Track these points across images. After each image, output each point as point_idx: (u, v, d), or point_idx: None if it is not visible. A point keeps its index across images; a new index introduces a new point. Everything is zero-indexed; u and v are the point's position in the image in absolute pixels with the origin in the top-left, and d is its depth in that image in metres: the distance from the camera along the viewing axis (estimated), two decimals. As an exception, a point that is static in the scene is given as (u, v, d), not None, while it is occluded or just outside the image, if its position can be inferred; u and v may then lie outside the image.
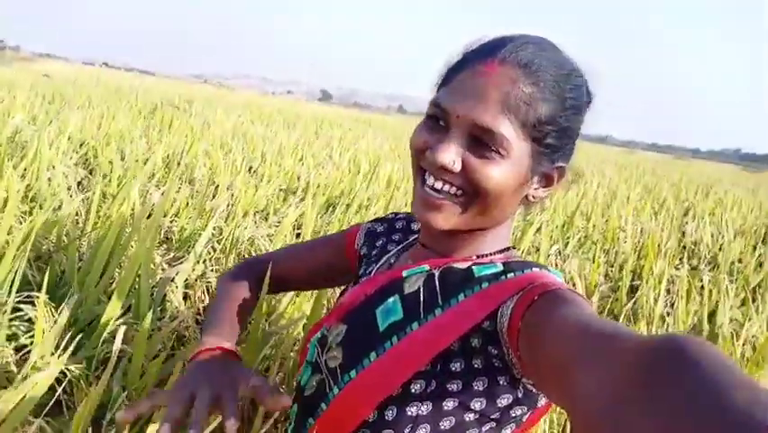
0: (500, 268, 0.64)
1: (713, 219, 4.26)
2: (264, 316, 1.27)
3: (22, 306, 1.30)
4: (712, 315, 2.13)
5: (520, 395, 0.60)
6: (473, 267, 0.65)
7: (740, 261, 3.08)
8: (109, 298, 1.42)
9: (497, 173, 0.60)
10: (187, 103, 8.43)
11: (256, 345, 1.12)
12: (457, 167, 0.61)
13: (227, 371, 0.66)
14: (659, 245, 3.07)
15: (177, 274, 1.62)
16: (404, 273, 0.69)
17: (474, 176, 0.61)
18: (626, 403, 0.35)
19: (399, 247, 0.81)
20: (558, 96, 0.61)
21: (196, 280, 1.71)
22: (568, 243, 3.04)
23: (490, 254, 0.69)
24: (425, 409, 0.60)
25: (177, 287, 1.63)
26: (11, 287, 1.24)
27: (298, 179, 3.70)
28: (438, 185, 0.63)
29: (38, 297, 1.27)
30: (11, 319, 1.25)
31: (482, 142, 0.60)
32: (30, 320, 1.31)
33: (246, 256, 1.91)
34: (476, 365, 0.60)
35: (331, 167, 4.43)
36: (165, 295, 1.56)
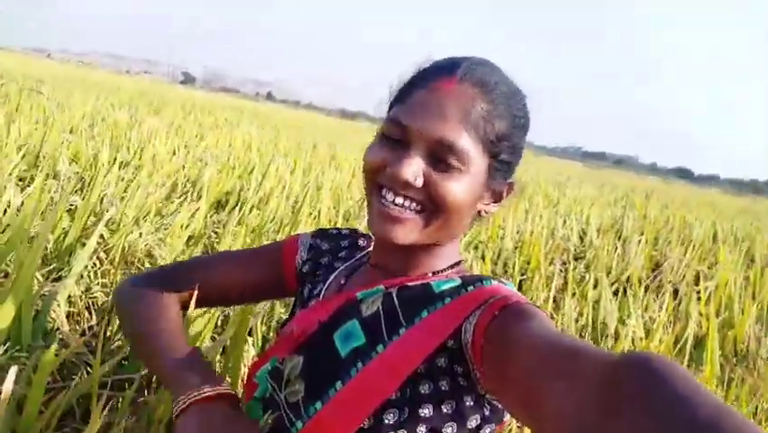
0: (459, 282, 0.64)
1: (576, 217, 4.66)
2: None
3: None
4: (594, 310, 2.32)
5: (487, 413, 0.61)
6: (431, 283, 0.65)
7: (605, 255, 3.40)
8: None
9: (457, 187, 0.61)
10: (37, 82, 7.50)
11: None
12: (419, 182, 0.61)
13: (238, 427, 0.62)
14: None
15: (60, 292, 1.41)
16: (358, 295, 0.67)
17: (436, 190, 0.61)
18: (594, 422, 0.36)
19: (346, 265, 0.78)
20: (510, 114, 0.64)
21: (80, 296, 1.51)
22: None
23: (444, 270, 0.69)
24: None
25: (59, 305, 1.43)
26: None
27: (176, 174, 3.44)
28: (399, 200, 0.63)
29: None
30: None
31: (442, 158, 0.61)
32: None
33: (140, 265, 1.72)
34: (443, 387, 0.60)
35: (211, 160, 4.18)
36: (45, 316, 1.36)
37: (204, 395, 0.63)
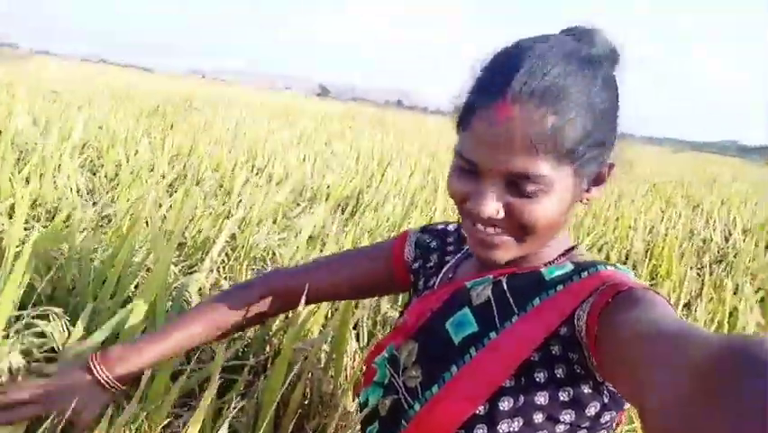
0: (571, 268, 0.64)
1: (720, 216, 4.23)
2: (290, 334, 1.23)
3: (34, 321, 1.27)
4: (730, 317, 2.10)
5: (606, 400, 0.60)
6: (542, 270, 0.65)
7: (753, 259, 3.05)
8: (122, 308, 1.39)
9: (542, 209, 0.60)
10: (188, 102, 8.38)
11: (284, 364, 1.09)
12: (501, 214, 0.61)
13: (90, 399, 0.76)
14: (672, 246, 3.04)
15: (191, 284, 1.58)
16: (467, 284, 0.69)
17: (521, 217, 0.61)
18: (695, 406, 0.36)
19: (456, 258, 0.80)
20: (585, 108, 0.58)
21: (210, 289, 1.68)
22: (579, 242, 3.01)
23: (556, 260, 0.69)
24: (516, 425, 0.60)
25: (191, 296, 1.60)
26: (21, 300, 1.20)
27: (304, 179, 3.67)
28: (489, 230, 0.63)
29: (51, 310, 1.24)
30: (20, 333, 1.21)
31: (520, 186, 0.60)
32: (42, 334, 1.27)
33: (261, 263, 1.88)
34: (558, 375, 0.59)
35: (337, 166, 4.39)
36: (180, 306, 1.53)
37: (100, 366, 0.79)
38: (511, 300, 0.64)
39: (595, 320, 0.55)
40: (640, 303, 0.53)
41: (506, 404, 0.60)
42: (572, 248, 0.70)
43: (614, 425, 0.63)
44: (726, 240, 3.61)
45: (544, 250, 0.68)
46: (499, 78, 0.59)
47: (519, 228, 0.62)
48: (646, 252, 3.08)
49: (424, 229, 0.89)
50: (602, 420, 0.61)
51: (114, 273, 1.42)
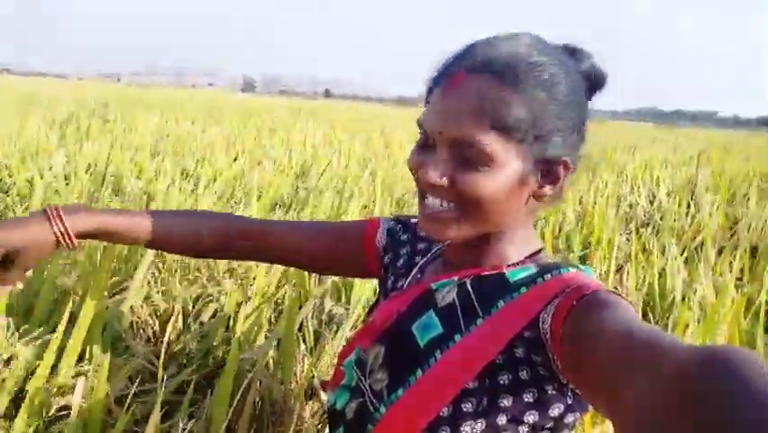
0: (534, 270, 0.64)
1: (644, 180, 4.45)
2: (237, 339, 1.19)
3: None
4: (660, 278, 2.21)
5: (570, 401, 0.60)
6: (506, 272, 0.65)
7: (675, 220, 3.22)
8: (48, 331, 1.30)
9: (483, 182, 0.60)
10: (103, 106, 7.96)
11: (230, 376, 1.05)
12: (446, 182, 0.61)
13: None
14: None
15: (124, 305, 1.50)
16: (433, 286, 0.69)
17: (461, 188, 0.61)
18: (667, 418, 0.36)
19: (425, 259, 0.80)
20: (535, 91, 0.59)
21: (141, 305, 1.60)
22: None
23: (520, 262, 0.68)
24: (479, 426, 0.60)
25: (123, 313, 1.52)
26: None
27: (235, 179, 3.56)
28: (434, 201, 0.64)
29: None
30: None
31: (465, 155, 0.60)
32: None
33: (196, 273, 1.80)
34: (523, 377, 0.60)
35: (269, 163, 4.30)
36: (114, 331, 1.45)
37: (54, 211, 0.73)
38: (475, 303, 0.64)
39: (560, 324, 0.55)
40: (605, 306, 0.53)
41: (469, 406, 0.60)
42: (539, 251, 0.70)
43: (576, 425, 0.64)
44: (651, 203, 3.80)
45: (508, 250, 0.67)
46: (456, 56, 0.62)
47: (461, 201, 0.62)
48: (577, 222, 3.19)
49: (397, 219, 0.88)
50: (566, 421, 0.61)
51: (43, 303, 1.32)
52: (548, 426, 0.61)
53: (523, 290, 0.62)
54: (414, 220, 0.87)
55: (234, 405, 1.10)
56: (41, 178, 2.93)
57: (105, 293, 1.55)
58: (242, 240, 0.86)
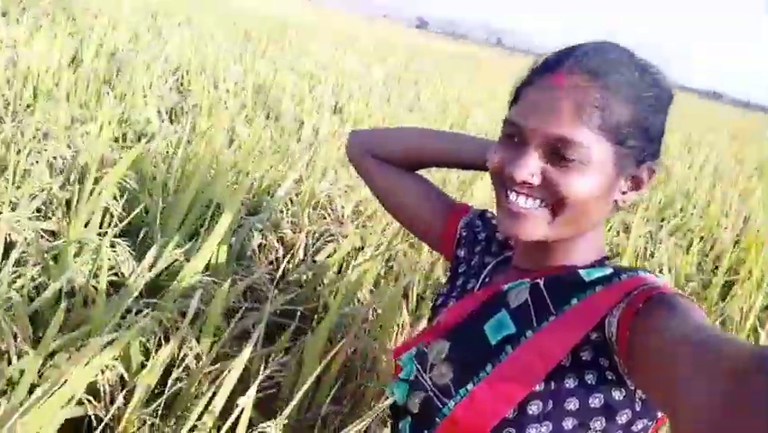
0: (611, 270, 0.63)
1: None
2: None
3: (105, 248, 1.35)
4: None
5: (638, 408, 0.59)
6: (580, 271, 0.64)
7: None
8: (190, 239, 1.46)
9: (578, 182, 0.60)
10: (280, 26, 8.42)
11: (326, 329, 1.12)
12: (536, 180, 0.61)
13: None
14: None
15: (253, 225, 1.63)
16: (504, 287, 0.69)
17: (557, 186, 0.61)
18: (723, 419, 0.37)
19: (495, 261, 0.80)
20: (633, 96, 0.60)
21: (273, 230, 1.73)
22: (662, 225, 2.83)
23: (591, 265, 0.67)
24: (545, 430, 0.60)
25: (253, 236, 1.65)
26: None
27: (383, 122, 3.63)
28: (521, 199, 0.63)
29: (119, 243, 1.32)
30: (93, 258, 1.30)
31: (560, 154, 0.60)
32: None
33: (322, 211, 1.90)
34: (589, 381, 0.59)
35: (419, 111, 4.32)
36: (241, 246, 1.59)
37: None
38: (548, 300, 0.64)
39: (626, 326, 0.55)
40: (671, 308, 0.53)
41: (535, 408, 0.60)
42: (605, 258, 0.69)
43: None
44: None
45: (579, 251, 0.67)
46: (555, 59, 0.63)
47: (552, 200, 0.61)
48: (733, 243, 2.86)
49: (482, 214, 0.88)
50: (634, 429, 0.60)
51: (182, 206, 1.48)
52: None
53: (598, 288, 0.61)
54: (493, 219, 0.86)
55: (329, 356, 1.16)
56: (215, 88, 3.21)
57: (242, 212, 1.69)
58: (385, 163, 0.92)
